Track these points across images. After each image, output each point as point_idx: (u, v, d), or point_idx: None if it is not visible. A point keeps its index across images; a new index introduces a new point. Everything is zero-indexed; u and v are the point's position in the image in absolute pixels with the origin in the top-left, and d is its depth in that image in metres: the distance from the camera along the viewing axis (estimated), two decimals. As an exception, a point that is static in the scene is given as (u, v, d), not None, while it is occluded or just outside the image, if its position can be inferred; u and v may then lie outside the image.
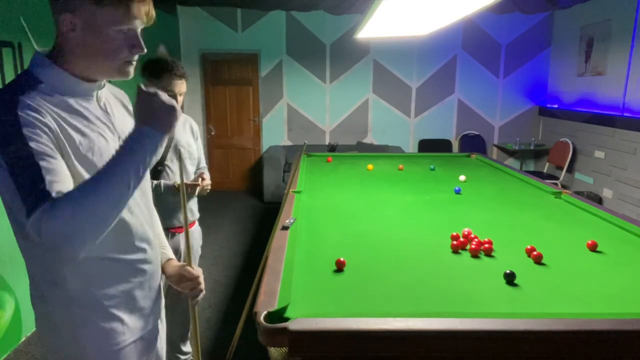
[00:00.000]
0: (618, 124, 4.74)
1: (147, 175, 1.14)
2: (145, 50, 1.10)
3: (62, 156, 0.99)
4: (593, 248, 1.82)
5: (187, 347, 2.43)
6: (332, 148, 6.07)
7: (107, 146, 1.09)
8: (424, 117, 6.50)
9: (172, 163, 2.15)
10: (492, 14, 6.02)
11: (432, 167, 3.64)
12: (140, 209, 1.20)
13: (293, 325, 1.20)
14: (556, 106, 6.08)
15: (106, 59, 1.06)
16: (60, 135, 1.00)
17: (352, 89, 6.43)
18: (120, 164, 0.97)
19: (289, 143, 6.57)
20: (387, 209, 2.47)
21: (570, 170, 5.61)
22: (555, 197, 2.70)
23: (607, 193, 4.95)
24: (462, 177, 3.17)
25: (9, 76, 2.75)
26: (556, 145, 5.84)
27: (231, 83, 6.44)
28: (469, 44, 6.30)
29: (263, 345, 1.29)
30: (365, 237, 2.01)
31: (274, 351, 1.37)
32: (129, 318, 1.18)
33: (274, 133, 6.57)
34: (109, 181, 0.94)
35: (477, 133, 6.49)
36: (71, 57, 1.08)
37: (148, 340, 1.27)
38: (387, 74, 6.40)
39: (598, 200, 4.98)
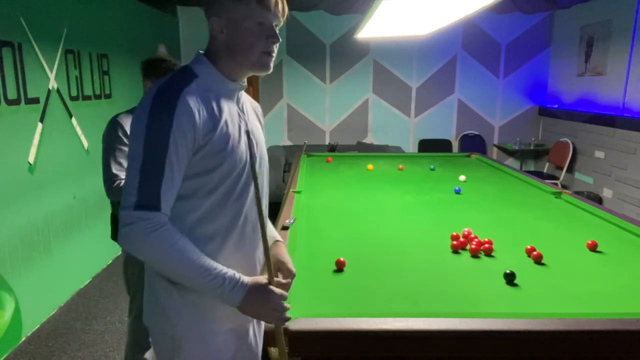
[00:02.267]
0: (618, 124, 4.74)
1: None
2: (280, 40, 1.16)
3: (199, 149, 1.07)
4: (593, 248, 1.82)
5: (148, 354, 2.20)
6: (332, 148, 6.06)
7: (238, 144, 1.14)
8: (424, 117, 6.50)
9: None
10: (492, 14, 6.02)
11: (432, 167, 3.64)
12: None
13: (293, 325, 1.20)
14: (556, 106, 6.08)
15: (247, 52, 1.13)
16: (201, 128, 1.07)
17: (352, 89, 6.43)
18: (202, 275, 1.04)
19: (289, 143, 6.57)
20: (387, 209, 2.47)
21: (570, 170, 5.60)
22: (555, 197, 2.70)
23: (607, 193, 4.95)
24: (462, 177, 3.17)
25: (9, 76, 2.75)
26: (556, 145, 5.84)
27: (231, 83, 6.44)
28: (469, 44, 6.30)
29: (263, 345, 1.29)
30: (365, 237, 2.01)
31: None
32: (223, 308, 1.15)
33: (274, 133, 6.56)
34: (187, 270, 1.04)
35: (477, 133, 6.49)
36: (221, 57, 1.16)
37: (240, 333, 1.23)
38: (387, 74, 6.40)
39: (598, 200, 4.98)
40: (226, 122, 1.13)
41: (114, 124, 1.96)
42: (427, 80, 6.41)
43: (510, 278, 1.53)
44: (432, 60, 6.35)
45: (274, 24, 1.16)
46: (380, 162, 3.92)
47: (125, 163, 1.85)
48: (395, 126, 6.47)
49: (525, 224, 2.21)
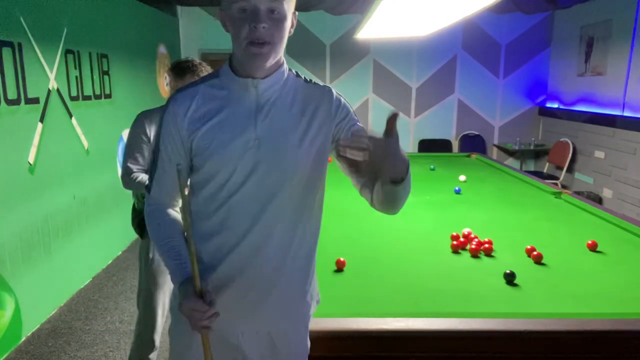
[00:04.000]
0: (618, 124, 4.74)
1: None
2: (262, 25, 1.02)
3: (190, 147, 1.12)
4: (593, 248, 1.82)
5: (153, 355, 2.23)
6: (332, 148, 6.06)
7: (228, 143, 1.09)
8: (424, 117, 6.49)
9: None
10: (492, 14, 6.02)
11: (432, 167, 3.64)
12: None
13: (293, 325, 1.20)
14: (556, 106, 6.08)
15: (236, 42, 1.08)
16: (186, 128, 1.11)
17: (352, 89, 6.43)
18: (165, 257, 1.15)
19: (289, 143, 6.57)
20: (387, 209, 2.47)
21: (570, 170, 5.60)
22: (555, 197, 2.70)
23: (607, 193, 4.95)
24: (462, 177, 3.17)
25: (9, 76, 2.75)
26: (556, 145, 5.84)
27: (231, 83, 6.44)
28: (469, 44, 6.30)
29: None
30: (365, 237, 2.01)
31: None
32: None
33: (274, 133, 6.56)
34: (159, 249, 1.17)
35: (477, 133, 6.49)
36: (232, 53, 1.14)
37: (225, 339, 1.19)
38: (387, 74, 6.40)
39: (598, 200, 4.98)
40: (219, 123, 1.10)
41: (136, 121, 2.09)
42: (427, 80, 6.41)
43: (510, 278, 1.53)
44: (432, 60, 6.35)
45: (261, 7, 1.03)
46: (380, 162, 3.91)
47: (139, 158, 2.04)
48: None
49: (525, 224, 2.21)
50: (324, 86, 1.22)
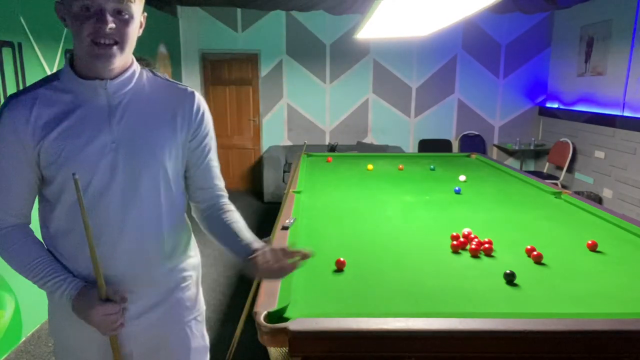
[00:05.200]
0: (618, 124, 4.74)
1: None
2: (109, 26, 0.97)
3: (37, 157, 1.04)
4: (593, 248, 1.82)
5: None
6: (332, 148, 6.06)
7: (82, 149, 1.04)
8: (424, 117, 6.49)
9: None
10: (492, 14, 6.02)
11: (432, 167, 3.64)
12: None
13: (293, 325, 1.20)
14: (556, 106, 6.08)
15: (76, 39, 1.00)
16: (30, 137, 1.02)
17: (352, 89, 6.43)
18: (36, 279, 1.09)
19: (289, 143, 6.57)
20: (387, 209, 2.47)
21: (570, 170, 5.60)
22: (555, 197, 2.70)
23: (607, 193, 4.95)
24: (462, 177, 3.17)
25: (9, 76, 2.75)
26: (556, 145, 5.84)
27: (231, 83, 6.44)
28: (469, 44, 6.30)
29: (263, 345, 1.29)
30: (365, 237, 2.01)
31: (274, 351, 1.37)
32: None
33: (274, 133, 6.56)
34: (24, 274, 1.10)
35: (477, 133, 6.49)
36: (74, 53, 1.05)
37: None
38: (387, 74, 6.39)
39: (598, 200, 4.98)
40: (68, 129, 1.03)
41: None
42: (427, 80, 6.41)
43: (510, 278, 1.53)
44: (432, 60, 6.35)
45: (107, 7, 0.97)
46: (380, 162, 3.92)
47: None
48: (395, 126, 6.47)
49: (525, 224, 2.21)
50: (186, 89, 1.18)
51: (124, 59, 1.05)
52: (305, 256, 1.08)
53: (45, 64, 3.12)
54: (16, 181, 1.06)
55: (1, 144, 1.03)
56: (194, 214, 1.32)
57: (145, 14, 1.09)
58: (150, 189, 1.11)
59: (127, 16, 1.00)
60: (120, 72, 1.07)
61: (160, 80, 1.17)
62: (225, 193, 1.30)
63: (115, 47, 1.00)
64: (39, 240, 1.13)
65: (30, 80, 2.95)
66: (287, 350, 1.20)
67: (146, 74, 1.15)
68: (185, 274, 1.26)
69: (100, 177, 1.05)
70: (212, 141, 1.24)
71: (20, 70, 2.85)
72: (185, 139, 1.16)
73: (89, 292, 1.06)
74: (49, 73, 3.15)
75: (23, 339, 2.84)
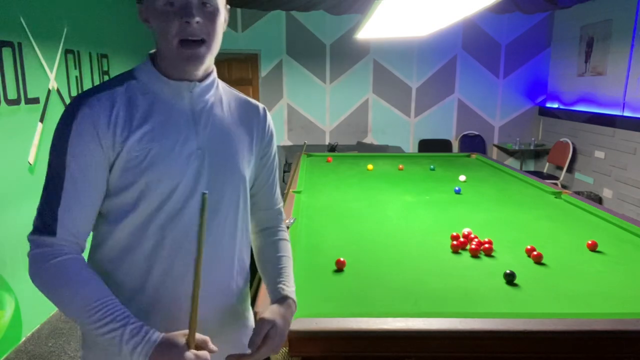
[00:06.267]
0: (618, 124, 4.74)
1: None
2: (196, 19, 0.90)
3: (114, 162, 0.92)
4: (593, 248, 1.82)
5: None
6: (332, 148, 6.06)
7: (168, 152, 0.95)
8: (424, 117, 6.50)
9: None
10: (492, 14, 6.02)
11: (432, 167, 3.64)
12: None
13: (293, 325, 1.20)
14: (556, 106, 6.08)
15: (164, 40, 0.93)
16: (110, 137, 0.91)
17: (352, 89, 6.43)
18: (95, 325, 0.86)
19: (289, 143, 6.57)
20: (387, 209, 2.47)
21: (570, 170, 5.60)
22: (555, 197, 2.70)
23: (607, 193, 4.95)
24: (462, 177, 3.17)
25: (9, 76, 2.75)
26: (556, 145, 5.84)
27: (231, 83, 6.36)
28: (469, 44, 6.30)
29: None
30: (365, 237, 2.01)
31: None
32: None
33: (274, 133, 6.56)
34: (74, 308, 0.87)
35: (477, 133, 6.49)
36: (158, 52, 0.98)
37: None
38: (387, 74, 6.39)
39: (598, 200, 4.98)
40: (151, 131, 0.94)
41: None
42: (427, 80, 6.41)
43: (510, 278, 1.53)
44: (432, 60, 6.35)
45: (193, 2, 0.90)
46: (380, 162, 3.92)
47: None
48: (395, 126, 6.47)
49: (525, 224, 2.21)
50: (258, 105, 1.14)
51: (211, 60, 0.99)
52: None
53: (45, 64, 3.12)
54: (87, 189, 0.91)
55: (76, 145, 0.89)
56: None
57: (228, 6, 1.02)
58: (231, 203, 1.03)
59: (212, 8, 0.93)
60: (207, 73, 1.01)
61: (233, 91, 1.12)
62: (283, 215, 1.25)
63: (204, 47, 0.93)
64: (96, 274, 0.92)
65: (30, 80, 2.95)
66: (287, 350, 1.20)
67: (219, 81, 1.08)
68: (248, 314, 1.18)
69: (185, 185, 0.96)
70: (277, 160, 1.21)
71: (20, 70, 2.85)
72: (258, 154, 1.12)
73: (176, 342, 0.85)
74: (49, 73, 3.16)
75: (23, 338, 2.84)
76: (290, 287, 1.08)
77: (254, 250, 1.20)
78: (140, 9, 0.96)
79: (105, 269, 0.97)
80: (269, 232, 1.20)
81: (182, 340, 0.86)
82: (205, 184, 0.98)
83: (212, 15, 0.94)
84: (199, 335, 0.88)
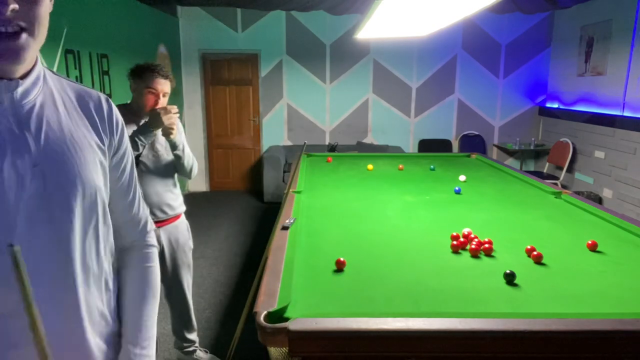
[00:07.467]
0: (618, 124, 4.74)
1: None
2: (11, 7, 0.72)
3: None
4: (593, 248, 1.82)
5: (192, 336, 2.49)
6: (332, 148, 6.06)
7: None
8: (424, 117, 6.50)
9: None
10: (492, 14, 6.02)
11: (432, 167, 3.64)
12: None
13: (293, 325, 1.20)
14: (556, 106, 6.08)
15: None
16: None
17: (352, 89, 6.43)
18: None
19: (289, 143, 6.57)
20: (387, 209, 2.47)
21: (570, 170, 5.61)
22: (555, 197, 2.70)
23: (607, 193, 4.95)
24: (462, 177, 3.17)
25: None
26: (556, 145, 5.84)
27: (231, 83, 6.44)
28: (469, 44, 6.30)
29: (263, 345, 1.29)
30: (365, 237, 2.01)
31: (274, 351, 1.37)
32: None
33: (274, 133, 6.56)
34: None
35: (477, 133, 6.49)
36: None
37: None
38: (387, 74, 6.40)
39: (598, 200, 4.98)
40: None
41: None
42: (427, 81, 6.41)
43: (510, 278, 1.53)
44: (432, 60, 6.36)
45: None
46: (380, 162, 3.92)
47: None
48: (395, 126, 6.48)
49: (525, 224, 2.21)
50: (98, 93, 0.95)
51: (36, 51, 0.80)
52: None
53: (45, 64, 3.12)
54: None
55: None
56: None
57: None
58: (88, 229, 0.87)
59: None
60: (29, 67, 0.81)
61: (65, 81, 0.92)
62: (148, 227, 1.04)
63: (24, 35, 0.75)
64: None
65: (30, 80, 2.95)
66: (287, 350, 1.20)
67: (46, 70, 0.88)
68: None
69: (22, 223, 0.77)
70: (131, 157, 0.99)
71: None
72: (108, 154, 0.93)
73: None
74: (48, 73, 3.16)
75: (23, 339, 2.84)
76: (143, 351, 0.93)
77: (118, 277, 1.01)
78: None
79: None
80: (131, 255, 1.01)
81: None
82: (47, 216, 0.79)
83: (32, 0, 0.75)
84: None
